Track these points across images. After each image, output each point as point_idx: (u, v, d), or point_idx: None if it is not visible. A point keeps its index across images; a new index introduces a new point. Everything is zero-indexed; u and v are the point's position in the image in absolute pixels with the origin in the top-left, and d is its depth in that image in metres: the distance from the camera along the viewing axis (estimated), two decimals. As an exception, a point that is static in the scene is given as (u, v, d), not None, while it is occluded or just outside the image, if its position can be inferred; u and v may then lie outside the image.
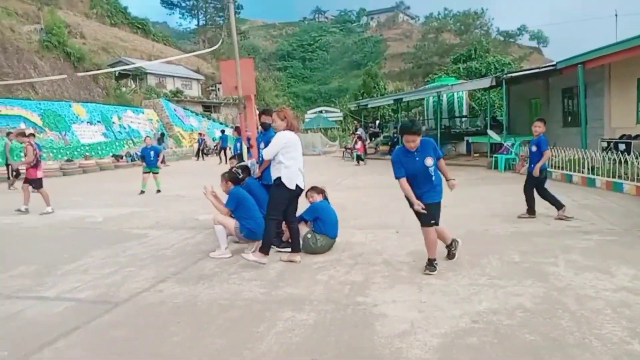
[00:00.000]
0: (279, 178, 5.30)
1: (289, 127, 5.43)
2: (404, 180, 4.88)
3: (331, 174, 16.42)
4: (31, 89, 24.56)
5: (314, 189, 6.32)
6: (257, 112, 8.11)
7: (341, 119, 42.46)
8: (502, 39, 76.70)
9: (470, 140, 20.21)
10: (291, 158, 5.32)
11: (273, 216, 5.38)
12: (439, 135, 19.05)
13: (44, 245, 7.02)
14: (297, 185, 5.37)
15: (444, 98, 24.88)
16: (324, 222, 5.91)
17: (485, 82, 17.11)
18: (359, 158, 20.65)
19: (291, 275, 5.03)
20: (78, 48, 30.50)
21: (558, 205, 7.43)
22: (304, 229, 5.95)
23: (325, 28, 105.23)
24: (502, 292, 4.25)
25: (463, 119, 26.55)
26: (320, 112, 44.41)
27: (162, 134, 29.41)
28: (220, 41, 13.77)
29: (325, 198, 6.32)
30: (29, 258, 6.17)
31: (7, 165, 15.10)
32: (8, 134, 15.27)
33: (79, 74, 23.67)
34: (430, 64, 66.09)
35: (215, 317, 3.97)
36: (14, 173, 14.85)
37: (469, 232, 6.53)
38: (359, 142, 21.14)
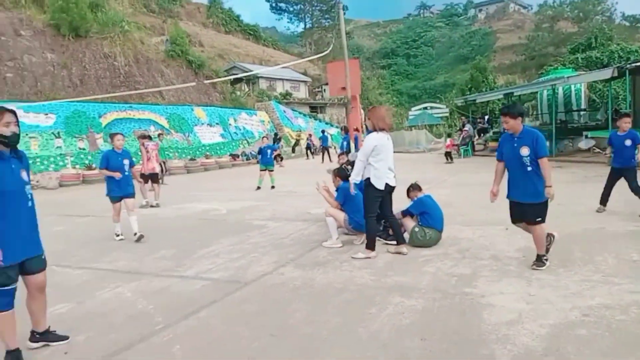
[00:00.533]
0: (369, 179, 5.59)
1: (376, 128, 5.64)
2: (499, 164, 5.18)
3: (436, 171, 16.34)
4: (159, 95, 27.23)
5: (414, 187, 6.51)
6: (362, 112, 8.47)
7: (447, 114, 41.54)
8: (627, 24, 69.59)
9: (589, 135, 18.87)
10: (380, 160, 5.54)
11: (370, 214, 5.67)
12: (554, 131, 18.04)
13: (179, 233, 7.98)
14: (386, 184, 5.58)
15: (560, 91, 23.40)
16: (430, 215, 6.10)
17: (606, 74, 15.92)
18: (447, 155, 20.12)
19: (399, 266, 5.32)
20: (198, 56, 33.17)
21: (603, 201, 7.63)
22: (410, 223, 6.18)
23: (430, 23, 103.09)
24: (616, 289, 4.18)
25: (581, 113, 24.76)
26: (425, 108, 43.85)
27: (276, 134, 31.11)
28: (331, 46, 14.30)
29: None
30: (168, 244, 7.10)
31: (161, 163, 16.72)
32: (159, 135, 17.18)
33: (206, 82, 25.84)
34: (545, 55, 62.08)
35: (331, 298, 4.39)
36: (165, 171, 16.55)
37: (584, 230, 6.33)
38: (448, 140, 20.72)
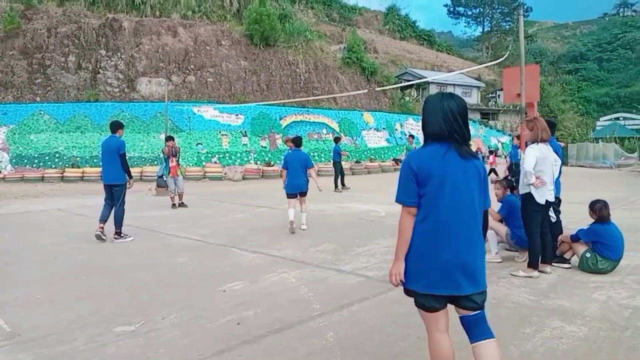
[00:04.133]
0: (529, 192, 5.31)
1: (537, 139, 5.32)
2: None
3: (625, 190, 14.48)
4: (332, 100, 28.79)
5: (597, 207, 5.76)
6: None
7: (645, 127, 36.22)
8: None
9: None
10: (540, 173, 5.25)
11: (532, 230, 5.38)
12: None
13: (340, 230, 8.49)
14: (546, 201, 5.32)
15: None
16: (606, 246, 5.49)
17: None
18: None
19: (563, 289, 4.97)
20: (371, 62, 34.20)
21: None
22: (581, 248, 5.68)
23: (632, 23, 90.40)
24: None
25: None
26: (617, 119, 38.86)
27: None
28: (507, 53, 13.65)
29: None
30: (329, 239, 7.62)
31: None
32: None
33: (377, 89, 26.72)
34: None
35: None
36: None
37: None
38: None
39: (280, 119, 25.11)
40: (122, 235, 7.78)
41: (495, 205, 6.65)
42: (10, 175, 20.05)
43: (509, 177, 6.65)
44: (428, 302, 2.54)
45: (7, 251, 7.05)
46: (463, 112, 2.54)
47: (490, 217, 6.28)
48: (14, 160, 20.96)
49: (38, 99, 23.32)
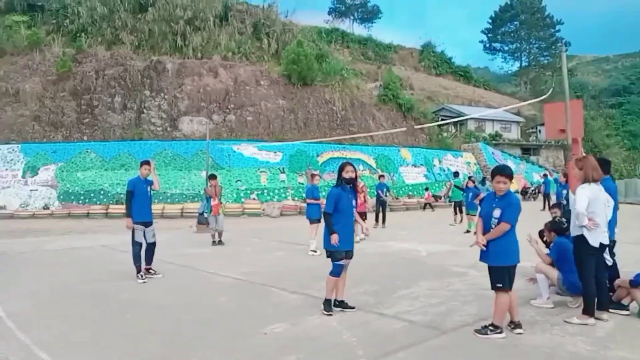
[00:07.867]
0: (581, 235, 5.08)
1: (588, 179, 5.12)
2: None
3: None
4: (369, 137, 28.89)
5: None
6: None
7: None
8: None
9: None
10: (592, 214, 5.02)
11: (586, 275, 5.11)
12: None
13: (380, 270, 8.31)
14: (600, 243, 5.06)
15: None
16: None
17: None
18: None
19: (623, 339, 4.67)
20: (408, 99, 34.31)
21: None
22: (640, 293, 5.36)
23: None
24: None
25: None
26: (668, 154, 37.19)
27: (484, 179, 30.03)
28: (550, 90, 13.43)
29: None
30: (370, 279, 7.45)
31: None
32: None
33: (416, 127, 26.72)
34: None
35: (538, 362, 4.09)
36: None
37: None
38: None
39: (317, 155, 25.31)
40: (150, 271, 7.97)
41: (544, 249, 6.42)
42: (57, 212, 20.84)
43: (558, 219, 6.39)
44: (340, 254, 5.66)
45: (53, 289, 7.21)
46: (354, 173, 5.75)
47: (540, 260, 6.07)
48: (61, 197, 21.80)
49: (85, 138, 24.41)
